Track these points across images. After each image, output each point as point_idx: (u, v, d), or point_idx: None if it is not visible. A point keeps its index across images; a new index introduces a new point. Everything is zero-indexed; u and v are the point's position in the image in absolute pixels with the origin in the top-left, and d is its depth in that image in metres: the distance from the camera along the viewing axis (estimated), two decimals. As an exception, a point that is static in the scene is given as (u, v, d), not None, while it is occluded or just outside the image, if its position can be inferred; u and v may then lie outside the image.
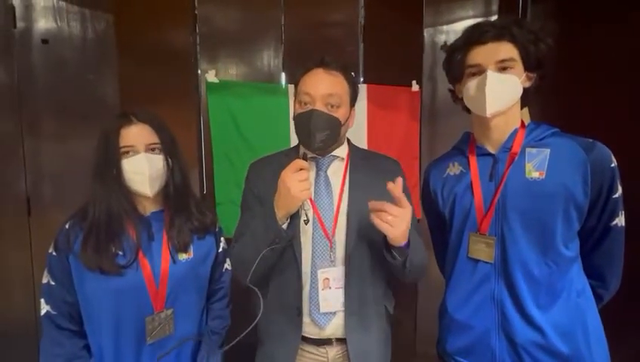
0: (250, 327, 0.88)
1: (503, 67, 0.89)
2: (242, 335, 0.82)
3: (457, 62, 0.94)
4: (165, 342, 0.96)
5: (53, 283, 0.92)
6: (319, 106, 0.95)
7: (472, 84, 0.92)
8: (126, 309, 0.92)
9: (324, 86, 0.96)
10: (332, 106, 0.97)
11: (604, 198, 0.89)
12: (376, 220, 0.87)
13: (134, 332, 0.93)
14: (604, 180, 0.88)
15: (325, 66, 0.99)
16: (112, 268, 0.89)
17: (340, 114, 0.98)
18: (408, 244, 0.93)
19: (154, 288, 0.94)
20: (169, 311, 0.96)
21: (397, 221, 0.86)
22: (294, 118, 0.99)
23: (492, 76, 0.88)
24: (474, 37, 0.91)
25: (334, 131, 0.97)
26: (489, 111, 0.90)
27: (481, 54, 0.90)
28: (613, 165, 0.89)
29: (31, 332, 1.44)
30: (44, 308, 0.93)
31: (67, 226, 0.93)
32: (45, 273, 0.94)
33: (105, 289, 0.90)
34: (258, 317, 0.87)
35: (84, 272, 0.90)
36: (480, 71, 0.91)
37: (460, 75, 0.96)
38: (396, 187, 0.87)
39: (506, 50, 0.89)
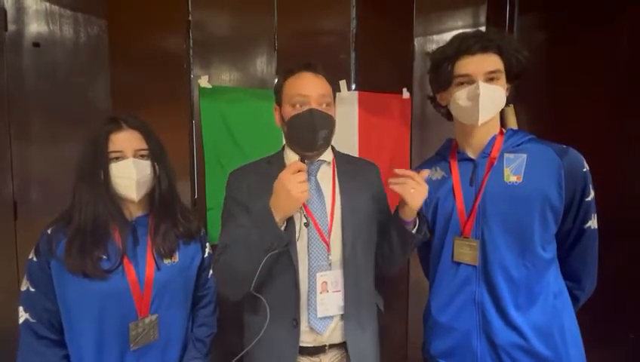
0: (255, 341, 0.85)
1: (490, 78, 0.92)
2: (246, 349, 0.80)
3: (445, 72, 0.96)
4: (149, 348, 0.94)
5: (32, 289, 0.89)
6: (315, 106, 0.95)
7: (461, 94, 0.94)
8: (109, 315, 0.89)
9: (316, 86, 0.96)
10: (326, 105, 0.97)
11: (577, 201, 0.92)
12: (398, 188, 0.90)
13: (117, 339, 0.90)
14: (577, 184, 0.91)
15: (312, 70, 0.99)
16: (96, 272, 0.87)
17: (333, 113, 0.99)
18: (414, 225, 0.96)
19: (139, 293, 0.92)
20: (153, 317, 0.94)
21: (417, 192, 0.90)
22: (289, 120, 0.96)
23: (484, 87, 0.91)
24: (462, 47, 0.93)
25: (332, 129, 0.98)
26: (481, 120, 0.93)
27: (470, 65, 0.93)
28: (585, 170, 0.92)
29: (15, 339, 1.40)
30: (23, 316, 0.89)
31: (49, 231, 0.90)
32: (24, 280, 0.90)
33: (88, 294, 0.88)
34: (264, 329, 0.86)
35: (67, 277, 0.87)
36: (469, 81, 0.93)
37: (447, 83, 0.98)
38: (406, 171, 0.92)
39: (494, 61, 0.93)
